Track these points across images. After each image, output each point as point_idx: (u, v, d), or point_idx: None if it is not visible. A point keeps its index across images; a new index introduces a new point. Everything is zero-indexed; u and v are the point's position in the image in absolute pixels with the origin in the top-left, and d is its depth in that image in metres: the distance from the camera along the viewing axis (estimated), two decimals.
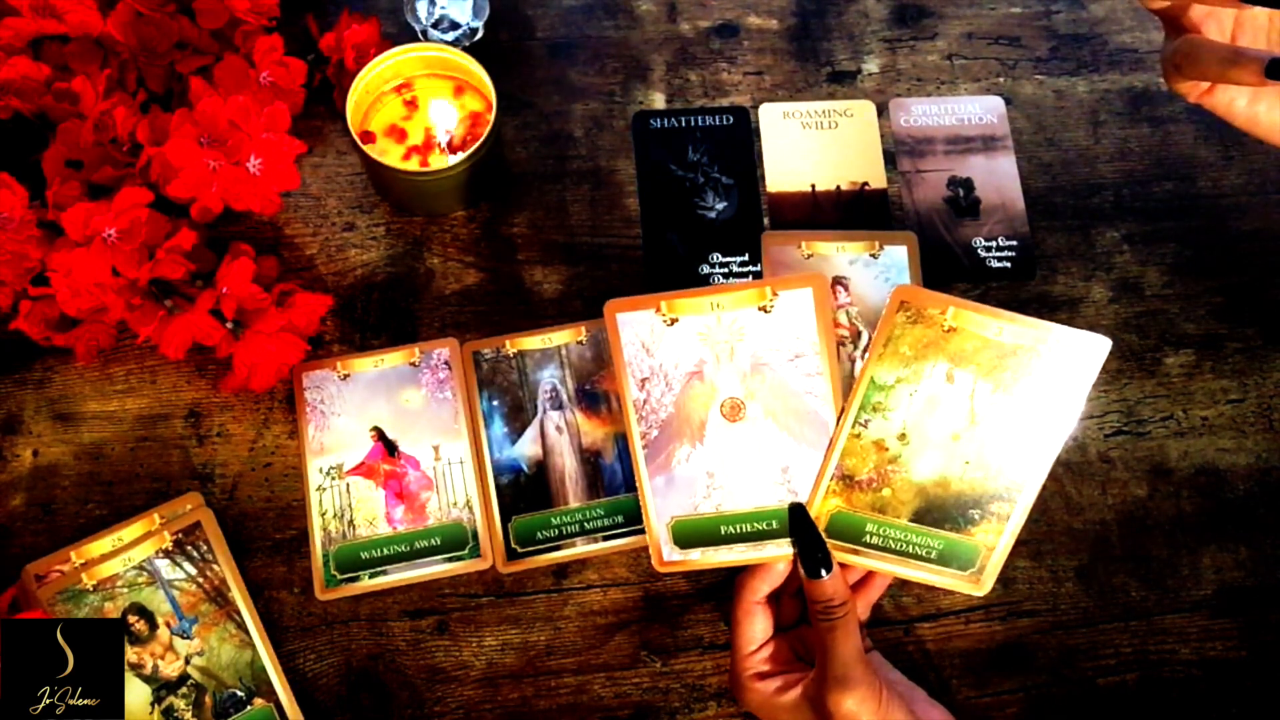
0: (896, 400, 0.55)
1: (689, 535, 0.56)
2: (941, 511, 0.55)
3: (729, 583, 0.61)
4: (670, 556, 0.56)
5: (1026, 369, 0.54)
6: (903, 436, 0.55)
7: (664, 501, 0.56)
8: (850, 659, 0.50)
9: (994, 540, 0.55)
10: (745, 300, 0.56)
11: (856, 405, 0.55)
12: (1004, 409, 0.55)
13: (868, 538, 0.55)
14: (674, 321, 0.56)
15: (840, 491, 0.55)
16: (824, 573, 0.52)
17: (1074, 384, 0.54)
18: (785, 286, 0.56)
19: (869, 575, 0.57)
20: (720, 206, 0.69)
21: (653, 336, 0.56)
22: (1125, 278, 0.68)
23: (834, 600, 0.52)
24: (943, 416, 0.55)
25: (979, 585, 0.56)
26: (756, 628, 0.54)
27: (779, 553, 0.56)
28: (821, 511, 0.55)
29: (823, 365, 0.56)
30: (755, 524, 0.56)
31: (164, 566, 0.59)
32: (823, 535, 0.54)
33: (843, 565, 0.55)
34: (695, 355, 0.56)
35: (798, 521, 0.55)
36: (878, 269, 0.66)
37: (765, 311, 0.56)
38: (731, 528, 0.56)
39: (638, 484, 0.56)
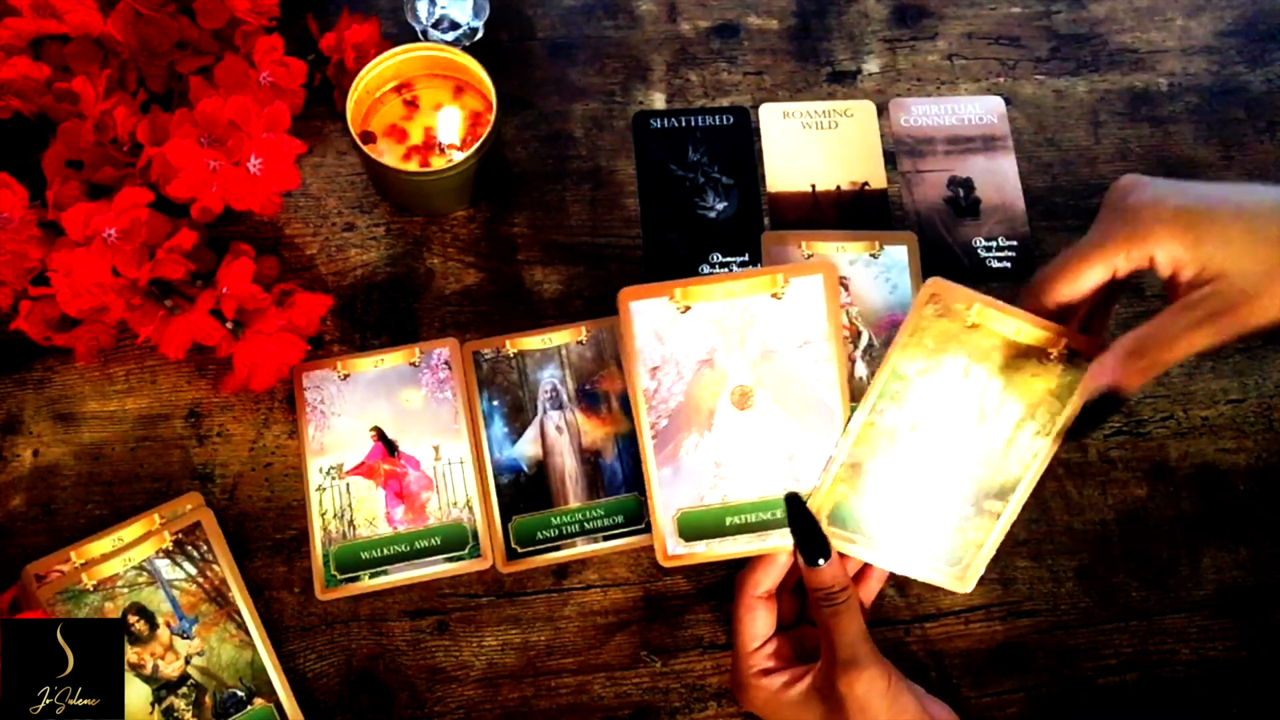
0: (913, 391, 0.55)
1: (694, 527, 0.56)
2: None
3: (729, 582, 0.61)
4: (675, 550, 0.56)
5: (1035, 369, 0.55)
6: (914, 428, 0.55)
7: (671, 493, 0.56)
8: (857, 640, 0.51)
9: (982, 538, 0.55)
10: (757, 287, 0.56)
11: (876, 393, 0.55)
12: (1010, 408, 0.55)
13: (866, 526, 0.55)
14: (687, 309, 0.56)
15: (847, 479, 0.55)
16: (821, 560, 0.52)
17: (1075, 389, 0.54)
18: (796, 274, 0.56)
19: (866, 568, 0.57)
20: (720, 206, 0.69)
21: (666, 324, 0.56)
22: None
23: (835, 586, 0.52)
24: (954, 411, 0.55)
25: (962, 582, 0.56)
26: (759, 624, 0.54)
27: (782, 543, 0.55)
28: (826, 500, 0.55)
29: (830, 352, 0.56)
30: (760, 514, 0.56)
31: (164, 566, 0.59)
32: (819, 523, 0.54)
33: (840, 555, 0.55)
34: (707, 343, 0.56)
35: (794, 511, 0.55)
36: (878, 269, 0.66)
37: (777, 299, 0.56)
38: (737, 518, 0.56)
39: (645, 476, 0.56)
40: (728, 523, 0.56)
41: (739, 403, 0.56)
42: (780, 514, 0.56)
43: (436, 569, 0.60)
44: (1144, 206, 0.49)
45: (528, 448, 0.62)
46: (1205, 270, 0.47)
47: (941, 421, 0.55)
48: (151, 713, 0.56)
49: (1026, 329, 0.54)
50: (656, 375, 0.56)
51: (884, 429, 0.55)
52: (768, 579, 0.55)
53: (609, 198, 0.69)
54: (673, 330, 0.56)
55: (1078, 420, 0.54)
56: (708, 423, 0.56)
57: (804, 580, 0.53)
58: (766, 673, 0.54)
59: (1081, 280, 0.51)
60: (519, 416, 0.63)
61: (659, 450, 0.56)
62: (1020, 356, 0.54)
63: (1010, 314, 0.54)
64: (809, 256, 0.66)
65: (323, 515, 0.61)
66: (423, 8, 0.70)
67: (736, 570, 0.60)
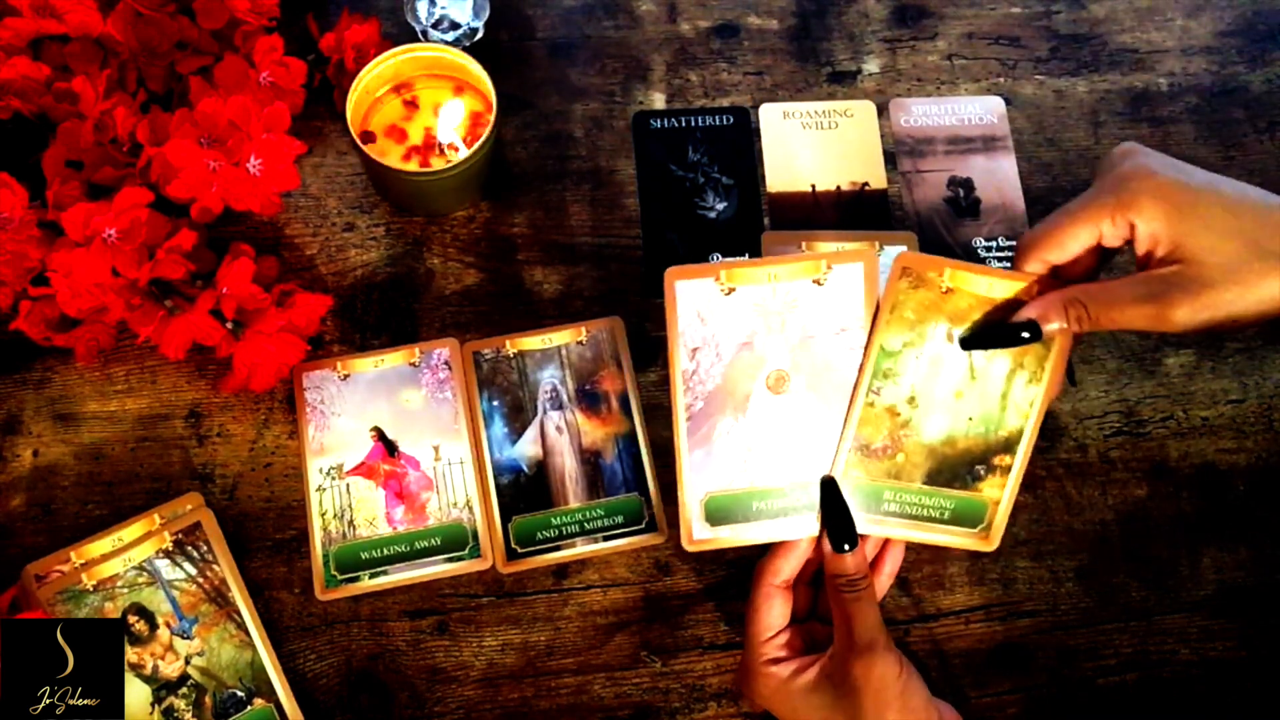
0: (904, 365, 0.55)
1: (721, 511, 0.56)
2: (951, 471, 0.55)
3: (729, 582, 0.61)
4: (700, 534, 0.56)
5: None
6: (912, 400, 0.55)
7: (700, 476, 0.56)
8: (875, 627, 0.51)
9: (999, 494, 0.55)
10: (801, 272, 0.56)
11: (869, 374, 0.55)
12: (998, 362, 0.55)
13: (885, 505, 0.55)
14: (731, 291, 0.56)
15: (858, 462, 0.56)
16: (847, 546, 0.53)
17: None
18: (839, 260, 0.56)
19: (878, 559, 0.57)
20: (720, 206, 0.69)
21: (709, 306, 0.56)
22: None
23: (858, 574, 0.52)
24: (946, 376, 0.55)
25: (988, 542, 0.56)
26: (775, 613, 0.54)
27: (806, 530, 0.55)
28: (841, 484, 0.55)
29: (865, 340, 0.56)
30: (786, 499, 0.56)
31: (164, 566, 0.59)
32: (849, 510, 0.55)
33: (861, 536, 0.55)
34: (748, 326, 0.56)
35: (829, 495, 0.55)
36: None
37: (818, 284, 0.56)
38: (763, 503, 0.56)
39: (675, 459, 0.55)
40: (754, 508, 0.56)
41: (774, 387, 0.56)
42: (805, 500, 0.55)
43: (436, 569, 0.60)
44: (1135, 175, 0.49)
45: (528, 448, 0.62)
46: (1177, 249, 0.48)
47: (936, 388, 0.55)
48: (151, 713, 0.56)
49: (999, 284, 0.55)
50: (696, 356, 0.56)
51: (883, 407, 0.55)
52: (788, 567, 0.55)
53: (609, 198, 0.69)
54: (716, 312, 0.56)
55: (983, 332, 0.54)
56: (742, 406, 0.56)
57: (826, 566, 0.53)
58: (776, 661, 0.54)
59: (1068, 243, 0.51)
60: (519, 416, 0.63)
61: (692, 433, 0.56)
62: (997, 310, 0.55)
63: (981, 273, 0.55)
64: None
65: (323, 515, 0.61)
66: (423, 8, 0.70)
67: (737, 570, 0.60)
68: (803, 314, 0.56)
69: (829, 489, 0.55)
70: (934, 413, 0.56)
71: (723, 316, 0.56)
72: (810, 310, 0.56)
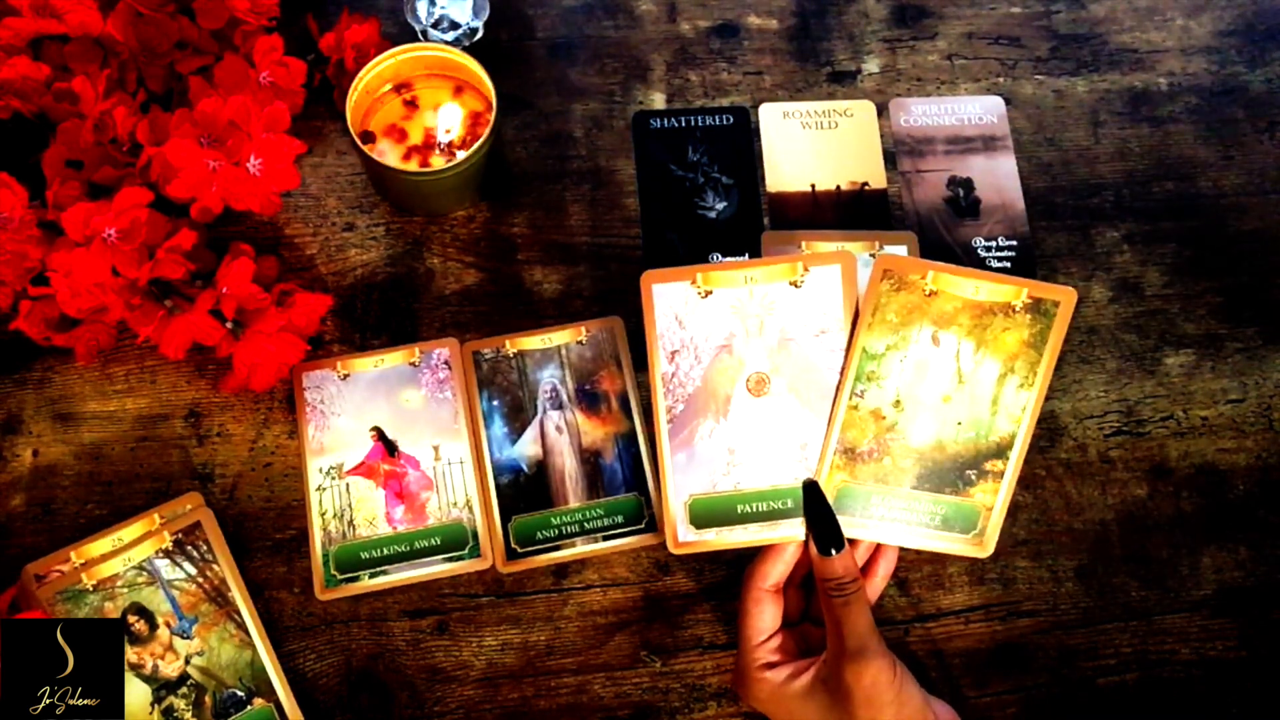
0: (888, 368, 0.55)
1: (706, 514, 0.56)
2: (941, 475, 0.55)
3: (729, 582, 0.61)
4: (685, 537, 0.56)
5: (1004, 324, 0.55)
6: (897, 403, 0.56)
7: (683, 479, 0.56)
8: (866, 631, 0.51)
9: (991, 500, 0.55)
10: (778, 275, 0.56)
11: (851, 376, 0.56)
12: (987, 366, 0.55)
13: (873, 509, 0.55)
14: (708, 294, 0.56)
15: (844, 466, 0.56)
16: (834, 550, 0.53)
17: (1048, 335, 0.55)
18: (816, 263, 0.56)
19: (871, 562, 0.57)
20: (720, 206, 0.69)
21: (686, 308, 0.56)
22: (1125, 278, 0.68)
23: (846, 577, 0.52)
24: (932, 380, 0.56)
25: (982, 547, 0.56)
26: (766, 617, 0.54)
27: (792, 533, 0.55)
28: (827, 487, 0.56)
29: (845, 342, 0.56)
30: (771, 502, 0.56)
31: (164, 566, 0.59)
32: (834, 512, 0.55)
33: (850, 541, 0.55)
34: (726, 328, 0.56)
35: (811, 498, 0.55)
36: None
37: (796, 286, 0.56)
38: (748, 506, 0.56)
39: (658, 462, 0.56)
40: (739, 510, 0.56)
41: (755, 390, 0.56)
42: (791, 503, 0.56)
43: (436, 569, 0.60)
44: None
45: (528, 448, 0.62)
46: None
47: (923, 392, 0.55)
48: (151, 713, 0.56)
49: (986, 287, 0.55)
50: (675, 359, 0.56)
51: (868, 410, 0.55)
52: (776, 571, 0.55)
53: (609, 198, 0.69)
54: (693, 314, 0.56)
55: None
56: (723, 409, 0.56)
57: (815, 570, 0.53)
58: (770, 666, 0.54)
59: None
60: (519, 416, 0.63)
61: (674, 435, 0.56)
62: (986, 314, 0.55)
63: (967, 275, 0.55)
64: None
65: (323, 515, 0.61)
66: (423, 8, 0.70)
67: (737, 570, 0.60)
68: (781, 316, 0.56)
69: (811, 492, 0.55)
70: (921, 417, 0.56)
71: (700, 319, 0.56)
72: (788, 312, 0.56)
